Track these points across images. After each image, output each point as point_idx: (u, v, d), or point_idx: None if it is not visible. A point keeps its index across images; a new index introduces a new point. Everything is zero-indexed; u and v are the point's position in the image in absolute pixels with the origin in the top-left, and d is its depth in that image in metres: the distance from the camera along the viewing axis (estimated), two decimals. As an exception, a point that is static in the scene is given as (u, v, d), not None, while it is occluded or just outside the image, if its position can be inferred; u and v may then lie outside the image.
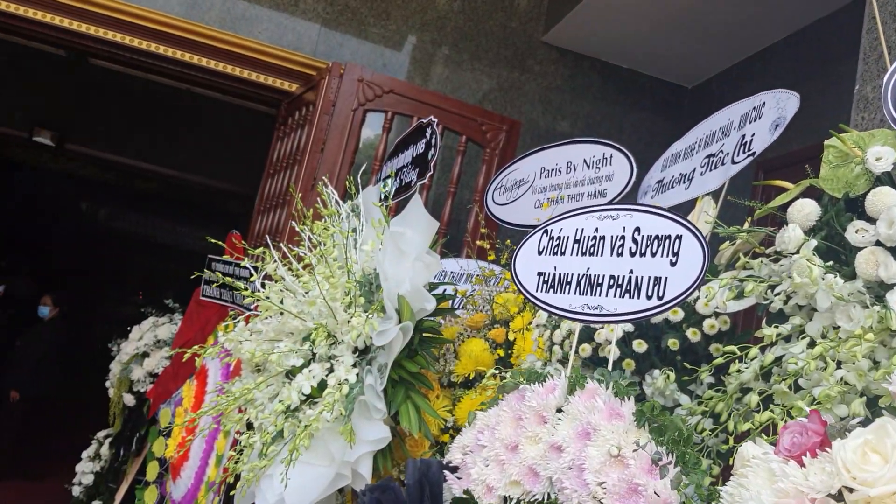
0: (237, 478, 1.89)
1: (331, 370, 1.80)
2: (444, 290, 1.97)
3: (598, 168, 2.14)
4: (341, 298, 1.83)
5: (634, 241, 1.11)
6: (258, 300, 1.87)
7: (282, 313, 1.94)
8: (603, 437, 0.99)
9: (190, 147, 7.55)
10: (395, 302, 1.78)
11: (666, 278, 1.05)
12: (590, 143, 2.20)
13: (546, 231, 1.26)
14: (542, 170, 2.33)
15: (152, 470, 3.91)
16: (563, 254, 1.21)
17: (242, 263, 2.27)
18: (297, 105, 4.26)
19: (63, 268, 16.38)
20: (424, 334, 1.88)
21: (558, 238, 1.23)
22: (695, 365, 1.37)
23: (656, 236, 1.08)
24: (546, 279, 1.22)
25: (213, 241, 2.53)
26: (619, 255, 1.12)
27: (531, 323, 2.04)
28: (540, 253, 1.26)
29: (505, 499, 1.11)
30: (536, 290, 1.24)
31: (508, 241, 2.31)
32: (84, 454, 4.59)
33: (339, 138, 3.79)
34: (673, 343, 1.40)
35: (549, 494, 1.06)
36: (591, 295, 1.14)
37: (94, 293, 20.09)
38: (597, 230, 1.17)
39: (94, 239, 21.71)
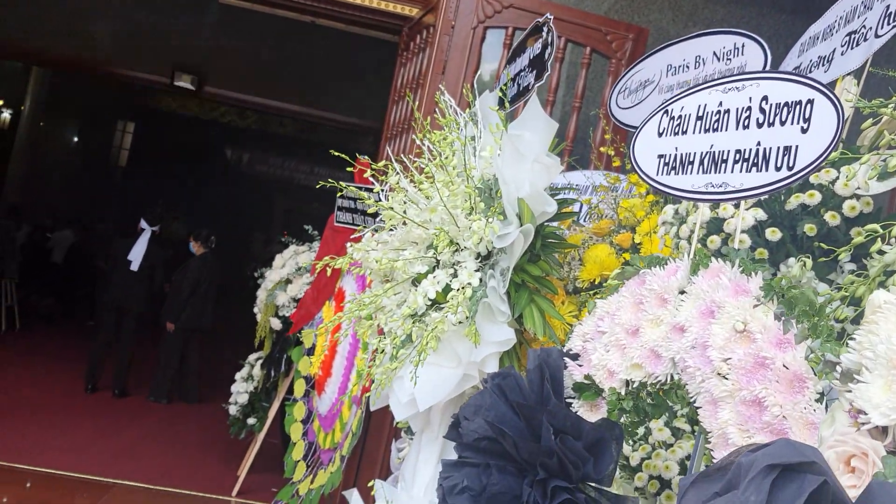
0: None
1: (455, 276, 1.82)
2: (567, 198, 1.93)
3: (730, 60, 2.01)
4: (462, 205, 1.84)
5: (762, 110, 1.03)
6: (382, 210, 1.91)
7: (405, 223, 1.98)
8: (728, 313, 0.95)
9: (319, 84, 7.74)
10: (515, 206, 1.77)
11: (797, 147, 0.98)
12: (719, 33, 2.07)
13: (666, 111, 1.20)
14: (668, 67, 2.22)
15: (299, 387, 4.15)
16: (684, 133, 1.14)
17: (366, 190, 2.31)
18: (417, 29, 4.24)
19: (213, 211, 17.42)
20: (547, 240, 1.86)
21: (679, 117, 1.16)
22: (834, 251, 1.28)
23: (785, 103, 1.00)
24: (667, 161, 1.17)
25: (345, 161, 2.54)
26: (745, 127, 1.05)
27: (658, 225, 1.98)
28: (660, 135, 1.20)
29: (626, 382, 1.10)
30: (657, 174, 1.19)
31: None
32: (238, 376, 4.94)
33: (460, 58, 3.75)
34: (810, 228, 1.31)
35: (671, 375, 1.04)
36: (716, 172, 1.08)
37: (243, 234, 21.30)
38: (721, 104, 1.10)
39: (240, 183, 22.91)
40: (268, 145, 24.10)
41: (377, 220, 3.62)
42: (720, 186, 1.07)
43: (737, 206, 1.30)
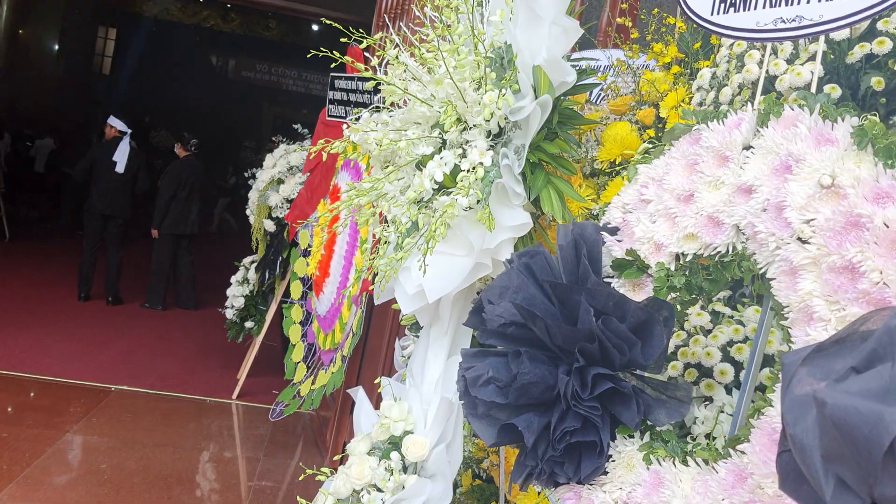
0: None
1: (463, 156, 1.65)
2: (584, 68, 1.74)
3: None
4: (470, 77, 1.65)
5: (848, -78, 0.85)
6: (381, 84, 1.72)
7: (407, 101, 1.80)
8: (810, 166, 0.80)
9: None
10: (531, 75, 1.59)
11: (894, -37, 0.80)
12: None
13: (722, -62, 1.01)
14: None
15: (296, 289, 4.03)
16: (745, -38, 0.96)
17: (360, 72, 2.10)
18: None
19: (201, 119, 17.00)
20: (564, 115, 1.68)
21: (738, -59, 0.97)
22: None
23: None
24: (724, -3, 0.99)
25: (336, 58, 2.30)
26: (826, -55, 0.87)
27: (687, 99, 1.80)
28: (715, -35, 1.01)
29: (677, 255, 0.95)
30: (712, 13, 1.01)
31: (656, 9, 2.02)
32: (233, 279, 4.82)
33: (457, -67, 3.45)
34: (877, 82, 1.13)
35: (733, 245, 0.89)
36: (787, 4, 0.90)
37: (232, 142, 20.93)
38: (792, -80, 0.91)
39: (227, 90, 22.36)
40: (254, 50, 23.38)
41: (374, 102, 3.42)
42: (793, 21, 0.89)
43: (808, 61, 1.12)
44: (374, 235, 3.08)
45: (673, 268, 0.94)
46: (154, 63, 20.89)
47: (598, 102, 2.22)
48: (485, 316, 1.03)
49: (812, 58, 1.21)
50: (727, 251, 0.89)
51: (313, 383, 3.55)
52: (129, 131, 6.79)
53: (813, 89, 1.07)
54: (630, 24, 2.13)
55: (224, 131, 19.13)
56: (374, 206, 1.84)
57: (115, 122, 6.81)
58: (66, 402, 4.09)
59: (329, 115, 3.82)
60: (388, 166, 1.94)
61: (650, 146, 1.59)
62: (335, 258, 3.53)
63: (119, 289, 6.92)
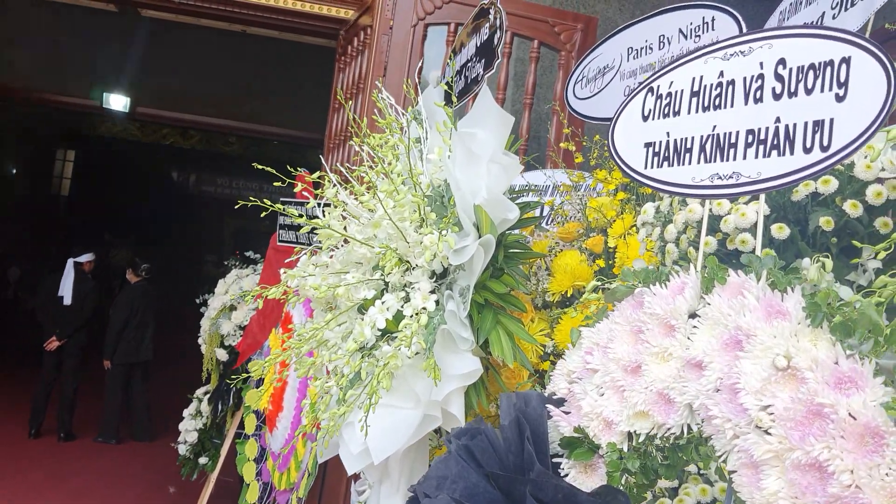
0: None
1: (407, 299, 1.57)
2: (528, 200, 1.69)
3: (699, 37, 1.79)
4: (410, 217, 1.59)
5: (779, 77, 0.81)
6: (317, 228, 1.65)
7: (346, 242, 1.72)
8: (762, 343, 0.72)
9: (258, 97, 7.42)
10: (472, 214, 1.53)
11: (832, 120, 0.75)
12: (684, 8, 1.86)
13: (651, 89, 0.96)
14: (629, 51, 2.00)
15: (250, 423, 3.85)
16: (677, 114, 0.91)
17: (308, 202, 2.04)
18: (354, 32, 3.99)
19: (162, 235, 16.91)
20: (510, 250, 1.62)
21: (669, 95, 0.93)
22: (855, 249, 1.07)
23: (811, 65, 0.77)
24: (657, 151, 0.94)
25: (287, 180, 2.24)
26: (759, 100, 0.83)
27: (633, 226, 1.76)
28: (646, 118, 0.97)
29: (629, 434, 0.85)
30: (646, 167, 0.96)
31: (598, 136, 2.01)
32: (185, 412, 4.61)
33: (401, 58, 3.51)
34: (826, 222, 1.09)
35: (687, 426, 0.80)
36: (723, 160, 0.85)
37: (194, 257, 20.81)
38: (722, 74, 0.87)
39: (188, 205, 22.41)
40: (214, 165, 23.57)
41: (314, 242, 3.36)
42: (730, 178, 0.84)
43: (751, 200, 1.07)
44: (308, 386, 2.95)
45: (625, 448, 0.85)
46: (114, 181, 20.89)
47: (548, 224, 2.18)
48: (422, 511, 0.91)
49: (756, 197, 1.17)
50: (682, 432, 0.80)
51: (270, 527, 3.33)
52: (73, 259, 6.64)
53: (759, 230, 1.01)
54: (574, 149, 2.11)
55: (186, 246, 19.05)
56: (315, 355, 1.73)
57: (82, 258, 6.68)
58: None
59: (280, 240, 3.75)
60: (331, 308, 1.85)
61: (599, 283, 1.53)
62: (289, 391, 3.38)
63: (72, 423, 6.60)
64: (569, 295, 1.76)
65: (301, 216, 1.63)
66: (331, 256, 1.79)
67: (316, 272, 1.67)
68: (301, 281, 1.67)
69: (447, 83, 1.81)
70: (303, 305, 3.43)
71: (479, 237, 1.52)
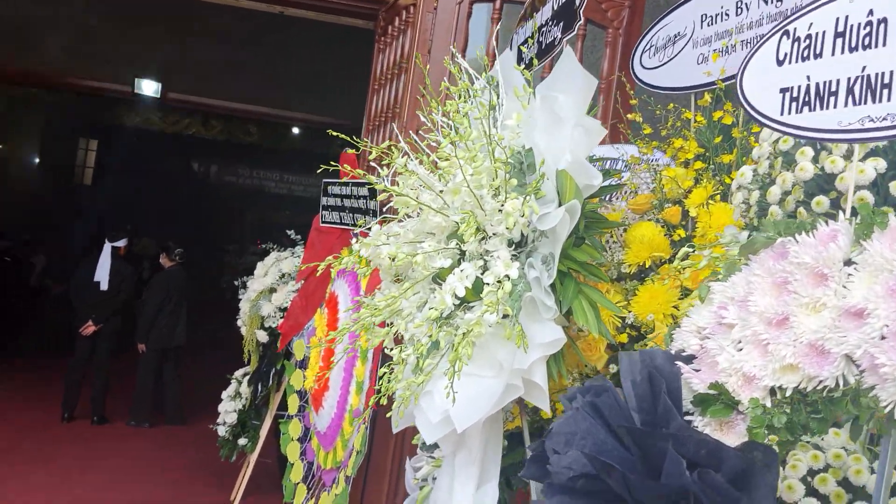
0: (390, 400, 1.68)
1: (484, 269, 1.54)
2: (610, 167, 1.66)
3: (780, 1, 1.73)
4: (487, 185, 1.56)
5: (942, 11, 0.76)
6: (395, 197, 1.61)
7: (419, 212, 1.69)
8: (939, 286, 0.68)
9: (290, 83, 7.39)
10: (555, 179, 1.49)
11: None
12: (765, -28, 1.80)
13: (786, 32, 0.92)
14: (703, 17, 1.95)
15: (293, 403, 3.84)
16: (818, 56, 0.87)
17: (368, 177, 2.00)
18: (395, 11, 3.95)
19: (184, 225, 16.99)
20: (589, 219, 1.58)
21: (808, 37, 0.89)
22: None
23: (982, -3, 0.73)
24: (795, 96, 0.90)
25: (330, 166, 2.20)
26: (917, 37, 0.79)
27: (716, 194, 1.72)
28: (781, 63, 0.93)
29: (773, 390, 0.82)
30: (782, 114, 0.92)
31: (672, 104, 1.96)
32: (224, 394, 4.61)
33: (446, 37, 3.47)
34: (953, 178, 1.04)
35: (843, 377, 0.76)
36: (875, 102, 0.81)
37: (216, 247, 20.90)
38: (871, 13, 0.83)
39: (210, 195, 22.52)
40: (235, 155, 23.65)
41: (368, 217, 3.33)
42: (883, 120, 0.80)
43: (868, 157, 1.02)
44: (377, 352, 2.93)
45: (769, 404, 0.82)
46: (136, 171, 21.01)
47: (609, 201, 2.14)
48: (550, 468, 0.88)
49: (872, 152, 1.12)
50: (836, 385, 0.76)
51: (316, 506, 3.32)
52: (111, 245, 6.67)
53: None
54: (641, 120, 2.06)
55: (208, 236, 19.14)
56: (389, 325, 1.71)
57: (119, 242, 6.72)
58: (49, 539, 3.81)
59: (323, 222, 3.73)
60: (398, 280, 1.82)
61: (690, 250, 1.48)
62: (335, 370, 3.36)
63: (105, 407, 6.64)
64: (647, 266, 1.72)
65: (381, 185, 1.59)
66: (401, 226, 1.76)
67: (390, 241, 1.64)
68: (375, 250, 1.64)
69: (521, 47, 1.77)
70: (348, 285, 3.42)
71: (561, 203, 1.49)
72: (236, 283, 4.74)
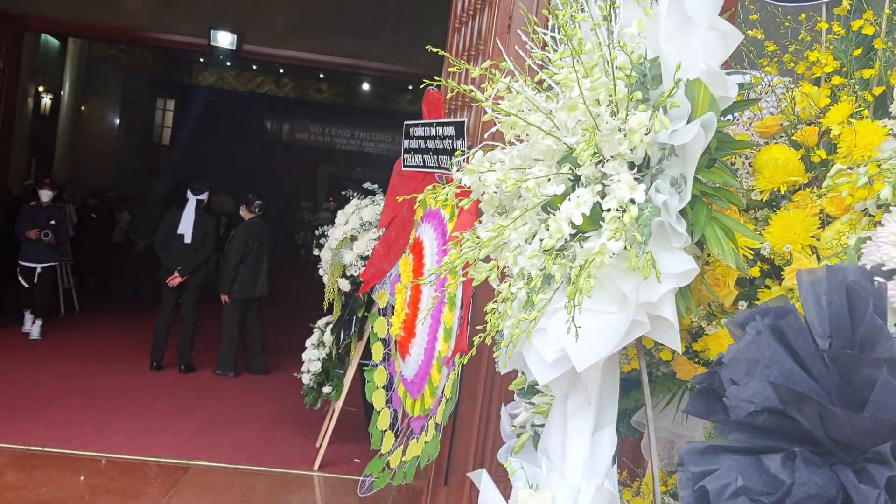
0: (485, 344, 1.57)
1: (602, 195, 1.39)
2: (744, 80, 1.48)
3: None
4: (605, 102, 1.40)
5: None
6: (499, 117, 1.48)
7: (524, 138, 1.55)
8: None
9: (364, 31, 7.26)
10: (685, 91, 1.32)
11: None
12: None
13: None
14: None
15: (377, 351, 3.80)
16: None
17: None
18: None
19: (258, 182, 17.26)
20: (718, 139, 1.41)
21: None
22: None
23: None
24: None
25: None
26: None
27: (861, 109, 1.52)
28: None
29: None
30: None
31: (802, 15, 1.76)
32: (308, 342, 4.62)
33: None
34: None
35: None
36: None
37: (289, 204, 21.24)
38: None
39: (282, 153, 22.88)
40: (307, 113, 23.89)
41: (451, 158, 3.21)
42: None
43: None
44: (466, 297, 2.81)
45: None
46: (211, 130, 21.47)
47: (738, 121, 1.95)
48: (727, 402, 0.75)
49: None
50: None
51: (404, 454, 3.28)
52: (196, 197, 6.75)
53: None
54: (762, 36, 1.86)
55: (281, 193, 19.43)
56: (493, 259, 1.59)
57: (188, 192, 6.82)
58: (144, 482, 3.90)
59: (405, 166, 3.63)
60: (501, 212, 1.70)
61: (843, 167, 1.31)
62: (421, 317, 3.29)
63: (192, 356, 6.81)
64: (782, 192, 1.54)
65: (487, 102, 1.46)
66: (504, 153, 1.62)
67: (496, 167, 1.51)
68: (478, 178, 1.51)
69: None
70: (433, 230, 3.32)
71: (692, 118, 1.33)
72: (318, 230, 4.71)
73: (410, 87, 21.73)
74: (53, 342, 7.44)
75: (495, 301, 1.64)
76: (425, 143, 3.46)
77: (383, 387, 3.65)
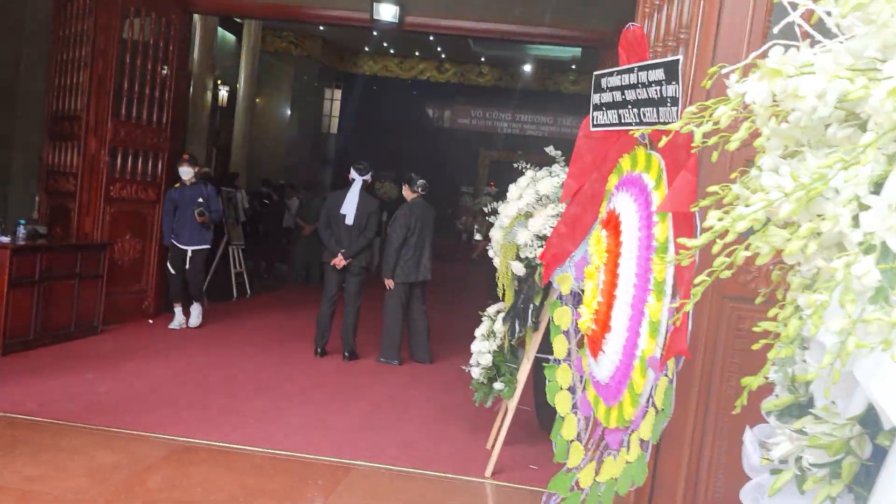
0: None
1: None
2: None
3: None
4: None
5: None
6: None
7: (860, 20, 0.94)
8: None
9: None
10: None
11: None
12: None
13: None
14: None
15: (559, 346, 3.24)
16: None
17: None
18: None
19: (420, 168, 17.25)
20: None
21: None
22: None
23: None
24: None
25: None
26: None
27: None
28: None
29: None
30: None
31: None
32: (477, 333, 4.15)
33: None
34: None
35: None
36: None
37: (450, 189, 21.20)
38: None
39: (443, 138, 22.93)
40: (468, 97, 23.73)
41: (664, 108, 2.59)
42: None
43: None
44: (683, 282, 2.18)
45: None
46: (375, 118, 21.85)
47: None
48: None
49: None
50: None
51: (597, 473, 2.71)
52: (361, 178, 6.48)
53: None
54: None
55: (443, 179, 19.43)
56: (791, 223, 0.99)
57: (351, 172, 6.56)
58: (302, 483, 3.58)
59: (595, 125, 3.04)
60: (792, 153, 1.09)
61: None
62: (618, 307, 2.70)
63: (355, 343, 6.57)
64: None
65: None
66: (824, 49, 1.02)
67: (817, 68, 0.91)
68: (786, 82, 0.92)
69: None
70: (634, 200, 2.71)
71: None
72: (485, 208, 4.22)
73: (574, 67, 20.95)
74: (217, 328, 7.48)
75: (783, 290, 1.05)
76: (622, 94, 2.86)
77: (568, 388, 3.10)
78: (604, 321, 2.77)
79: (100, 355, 5.83)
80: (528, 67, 22.24)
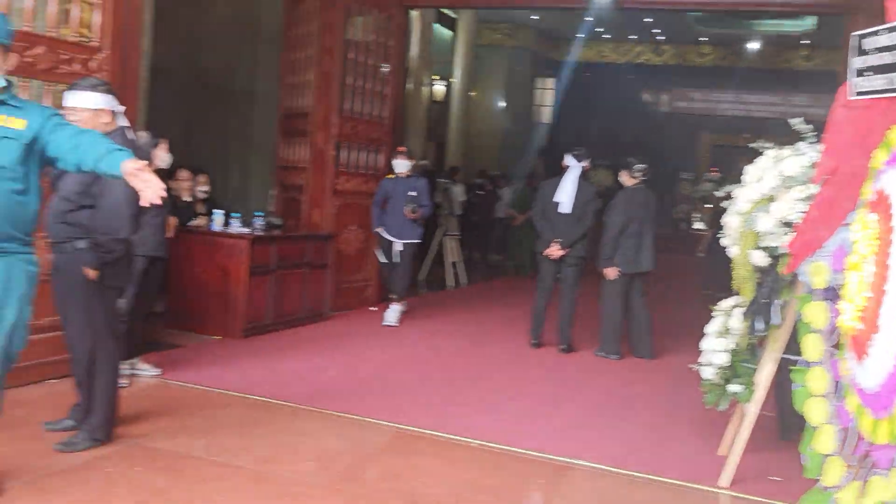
0: None
1: None
2: None
3: None
4: None
5: None
6: None
7: None
8: None
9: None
10: None
11: None
12: None
13: None
14: None
15: (811, 346, 2.87)
16: None
17: None
18: None
19: (637, 155, 16.67)
20: None
21: None
22: None
23: None
24: None
25: None
26: None
27: None
28: None
29: None
30: None
31: None
32: (709, 329, 3.81)
33: None
34: None
35: None
36: None
37: (668, 176, 20.34)
38: None
39: (661, 123, 22.08)
40: (686, 79, 22.59)
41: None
42: None
43: None
44: None
45: None
46: (588, 105, 21.43)
47: None
48: None
49: None
50: None
51: (863, 494, 2.34)
52: (579, 164, 6.28)
53: None
54: None
55: (660, 165, 18.70)
56: None
57: (567, 158, 6.38)
58: (522, 480, 3.47)
59: (858, 93, 2.64)
60: None
61: None
62: (889, 303, 2.30)
63: (572, 335, 6.39)
64: None
65: None
66: None
67: None
68: None
69: None
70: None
71: None
72: (717, 193, 3.86)
73: (807, 42, 19.15)
74: (433, 316, 7.61)
75: None
76: (892, 55, 2.45)
77: (824, 395, 2.73)
78: (871, 319, 2.38)
79: (326, 341, 6.14)
80: (753, 44, 20.72)
